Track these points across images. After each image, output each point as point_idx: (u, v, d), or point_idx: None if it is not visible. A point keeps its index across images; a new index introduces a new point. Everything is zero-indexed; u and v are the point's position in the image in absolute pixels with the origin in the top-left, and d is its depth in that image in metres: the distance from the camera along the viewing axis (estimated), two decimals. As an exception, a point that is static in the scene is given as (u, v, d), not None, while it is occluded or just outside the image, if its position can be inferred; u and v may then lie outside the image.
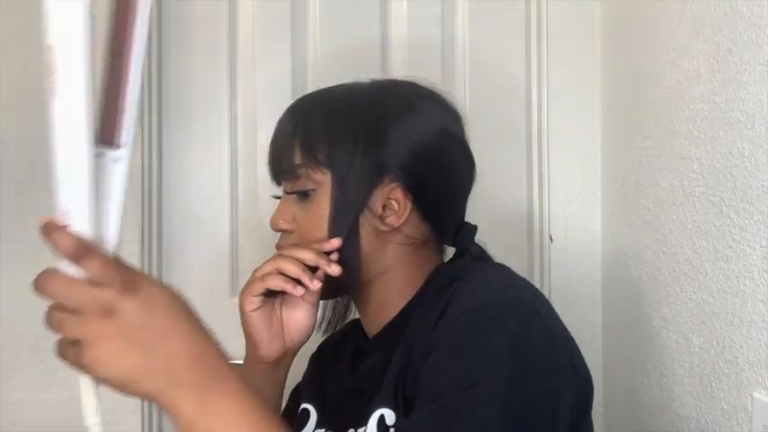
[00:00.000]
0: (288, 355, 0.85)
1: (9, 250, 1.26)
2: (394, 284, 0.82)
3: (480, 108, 1.38)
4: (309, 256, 0.78)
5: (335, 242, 0.79)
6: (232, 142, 1.36)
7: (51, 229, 0.50)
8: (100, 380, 0.52)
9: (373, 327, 0.85)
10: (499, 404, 0.62)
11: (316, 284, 0.78)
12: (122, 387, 0.51)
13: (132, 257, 1.26)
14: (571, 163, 1.36)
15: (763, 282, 0.84)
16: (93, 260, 0.50)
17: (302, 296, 0.79)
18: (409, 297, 0.82)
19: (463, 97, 1.38)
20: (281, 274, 0.79)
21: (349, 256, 0.79)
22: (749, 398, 0.86)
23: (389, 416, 0.72)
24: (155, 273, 1.31)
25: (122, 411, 1.26)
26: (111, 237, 0.53)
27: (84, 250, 0.50)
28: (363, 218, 0.80)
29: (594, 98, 1.36)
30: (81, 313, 0.50)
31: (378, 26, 1.37)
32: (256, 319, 0.82)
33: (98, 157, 0.52)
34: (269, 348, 0.83)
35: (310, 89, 0.94)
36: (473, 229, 0.88)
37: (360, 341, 0.88)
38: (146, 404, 1.29)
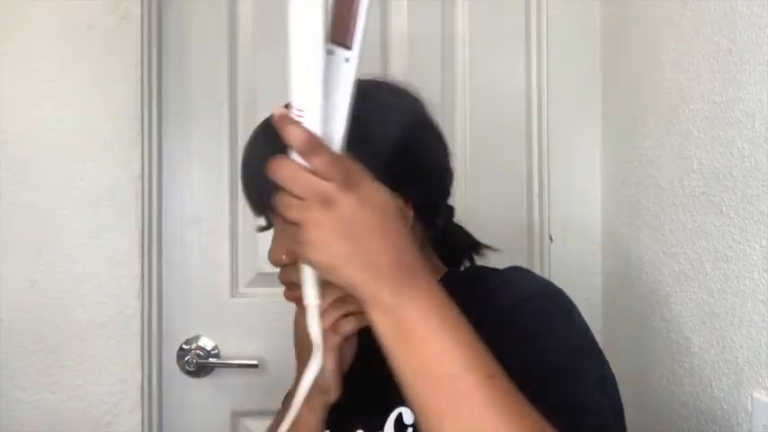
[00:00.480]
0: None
1: (9, 250, 1.26)
2: None
3: (480, 109, 1.38)
4: None
5: None
6: (232, 142, 1.36)
7: (285, 122, 0.55)
8: (310, 262, 0.57)
9: None
10: (593, 380, 0.66)
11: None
12: (328, 271, 0.56)
13: (132, 257, 1.26)
14: (571, 163, 1.36)
15: (763, 282, 0.84)
16: (319, 155, 0.55)
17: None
18: None
19: (463, 98, 1.38)
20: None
21: None
22: (749, 398, 0.86)
23: (408, 414, 0.71)
24: (155, 273, 1.31)
25: (122, 411, 1.27)
26: (336, 134, 0.58)
27: (312, 145, 0.55)
28: None
29: (594, 98, 1.36)
30: (303, 199, 0.55)
31: (378, 26, 1.37)
32: (334, 360, 0.74)
33: (329, 53, 0.56)
34: (339, 389, 0.76)
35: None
36: (450, 210, 0.86)
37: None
38: (146, 404, 1.29)
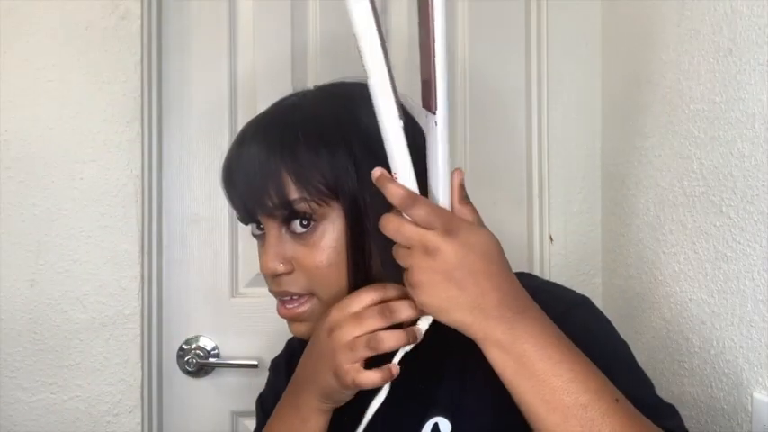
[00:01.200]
0: None
1: (9, 250, 1.26)
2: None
3: (480, 108, 1.38)
4: (407, 314, 0.67)
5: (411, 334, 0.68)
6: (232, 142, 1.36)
7: (384, 181, 0.62)
8: (421, 303, 0.61)
9: None
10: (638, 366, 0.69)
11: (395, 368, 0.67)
12: (437, 314, 0.61)
13: (132, 257, 1.26)
14: (571, 163, 1.36)
15: (763, 282, 0.84)
16: (418, 207, 0.61)
17: None
18: None
19: (463, 98, 1.38)
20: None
21: (362, 278, 0.71)
22: (749, 398, 0.86)
23: (445, 425, 0.69)
24: (155, 273, 1.31)
25: (122, 411, 1.27)
26: (440, 189, 0.64)
27: (410, 200, 0.61)
28: (366, 227, 0.71)
29: (594, 98, 1.36)
30: (410, 248, 0.60)
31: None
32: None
33: (427, 117, 0.63)
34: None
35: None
36: None
37: None
38: (146, 404, 1.29)
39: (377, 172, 0.63)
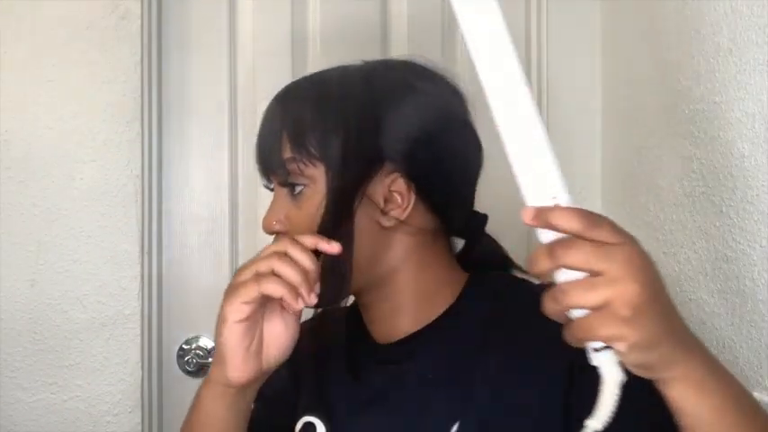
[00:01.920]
0: (259, 380, 0.71)
1: (9, 250, 1.26)
2: (411, 285, 0.75)
3: (480, 108, 1.38)
4: (307, 263, 0.66)
5: (335, 247, 0.67)
6: (232, 142, 1.36)
7: (546, 214, 0.50)
8: (630, 343, 0.48)
9: (389, 330, 0.77)
10: None
11: (313, 299, 0.66)
12: (645, 349, 0.48)
13: (132, 257, 1.26)
14: (571, 163, 1.36)
15: (763, 282, 0.84)
16: (601, 225, 0.49)
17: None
18: (442, 301, 0.75)
19: (463, 97, 1.38)
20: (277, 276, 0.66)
21: (347, 256, 0.70)
22: (749, 398, 0.86)
23: (470, 429, 0.68)
24: (155, 273, 1.31)
25: (122, 411, 1.27)
26: (561, 191, 0.52)
27: (590, 219, 0.48)
28: (364, 213, 0.71)
29: (594, 98, 1.36)
30: (602, 273, 0.48)
31: (378, 31, 1.37)
32: (239, 332, 0.67)
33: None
34: (242, 370, 0.68)
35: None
36: (483, 219, 0.83)
37: (365, 343, 0.79)
38: (146, 404, 1.29)
39: (529, 213, 0.51)
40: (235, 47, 1.36)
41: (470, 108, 0.79)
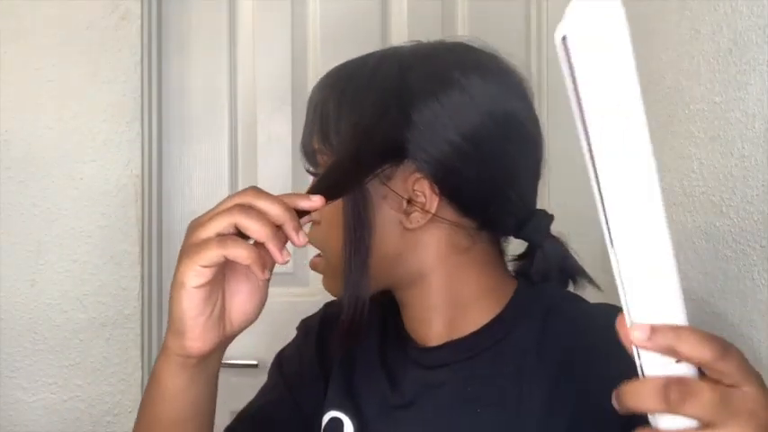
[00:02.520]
0: (221, 347, 0.64)
1: (9, 250, 1.26)
2: (444, 289, 0.69)
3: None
4: (276, 212, 0.57)
5: (317, 201, 0.59)
6: (232, 142, 1.36)
7: (666, 333, 0.42)
8: None
9: (425, 332, 0.71)
10: None
11: (285, 256, 0.57)
12: None
13: (132, 257, 1.26)
14: (571, 163, 1.36)
15: (763, 282, 0.84)
16: (730, 356, 0.41)
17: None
18: (483, 311, 0.69)
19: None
20: (239, 233, 0.57)
21: (361, 248, 0.64)
22: (749, 398, 0.86)
23: None
24: (155, 273, 1.31)
25: (122, 411, 1.27)
26: (678, 308, 0.44)
27: (721, 348, 0.41)
28: (387, 211, 0.65)
29: (594, 98, 1.36)
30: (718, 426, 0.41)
31: (378, 27, 1.37)
32: (198, 299, 0.60)
33: None
34: (202, 339, 0.60)
35: (309, 90, 0.92)
36: (546, 219, 0.75)
37: (401, 339, 0.74)
38: (146, 404, 1.29)
39: (644, 330, 0.41)
40: (235, 47, 1.37)
41: (533, 101, 0.72)
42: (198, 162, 1.35)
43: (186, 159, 1.35)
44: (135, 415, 1.30)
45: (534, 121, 0.73)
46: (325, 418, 0.74)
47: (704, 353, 0.41)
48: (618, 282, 0.42)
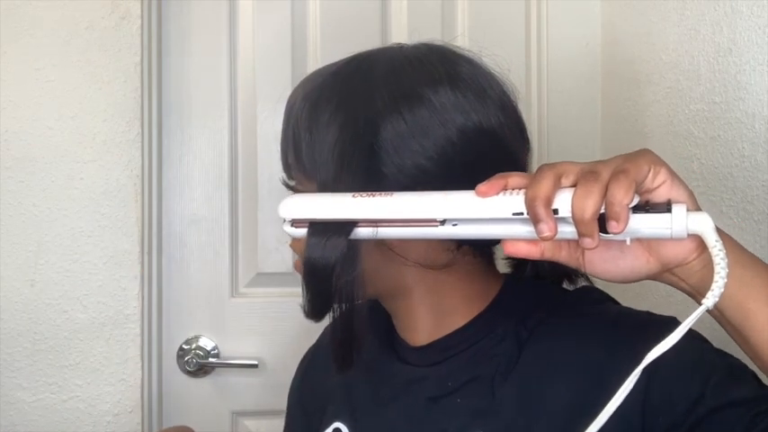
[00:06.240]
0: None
1: (9, 250, 1.26)
2: (427, 301, 0.70)
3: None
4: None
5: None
6: (232, 142, 1.36)
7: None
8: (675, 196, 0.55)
9: (412, 335, 0.73)
10: None
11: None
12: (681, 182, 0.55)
13: (132, 257, 1.26)
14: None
15: (763, 282, 0.84)
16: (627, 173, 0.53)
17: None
18: (469, 311, 0.70)
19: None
20: None
21: (350, 261, 0.63)
22: (749, 398, 0.86)
23: None
24: (155, 273, 1.31)
25: (122, 411, 1.27)
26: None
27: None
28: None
29: (594, 98, 1.36)
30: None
31: (378, 27, 1.37)
32: None
33: None
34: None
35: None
36: None
37: (391, 338, 0.76)
38: (146, 404, 1.29)
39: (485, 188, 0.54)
40: (235, 47, 1.36)
41: (517, 105, 0.72)
42: (198, 162, 1.35)
43: (186, 159, 1.35)
44: (135, 415, 1.30)
45: (514, 128, 0.72)
46: (329, 430, 0.77)
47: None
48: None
